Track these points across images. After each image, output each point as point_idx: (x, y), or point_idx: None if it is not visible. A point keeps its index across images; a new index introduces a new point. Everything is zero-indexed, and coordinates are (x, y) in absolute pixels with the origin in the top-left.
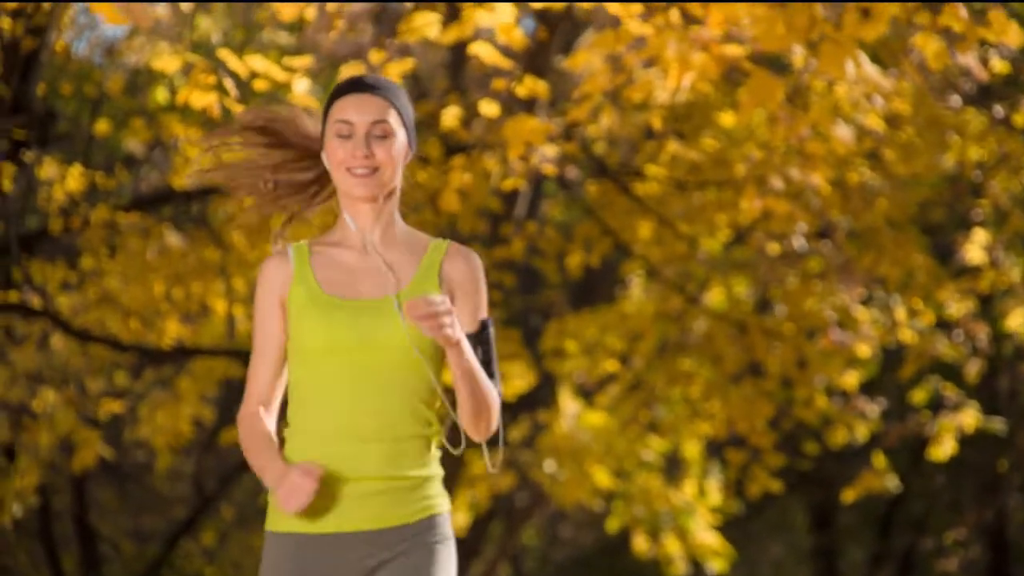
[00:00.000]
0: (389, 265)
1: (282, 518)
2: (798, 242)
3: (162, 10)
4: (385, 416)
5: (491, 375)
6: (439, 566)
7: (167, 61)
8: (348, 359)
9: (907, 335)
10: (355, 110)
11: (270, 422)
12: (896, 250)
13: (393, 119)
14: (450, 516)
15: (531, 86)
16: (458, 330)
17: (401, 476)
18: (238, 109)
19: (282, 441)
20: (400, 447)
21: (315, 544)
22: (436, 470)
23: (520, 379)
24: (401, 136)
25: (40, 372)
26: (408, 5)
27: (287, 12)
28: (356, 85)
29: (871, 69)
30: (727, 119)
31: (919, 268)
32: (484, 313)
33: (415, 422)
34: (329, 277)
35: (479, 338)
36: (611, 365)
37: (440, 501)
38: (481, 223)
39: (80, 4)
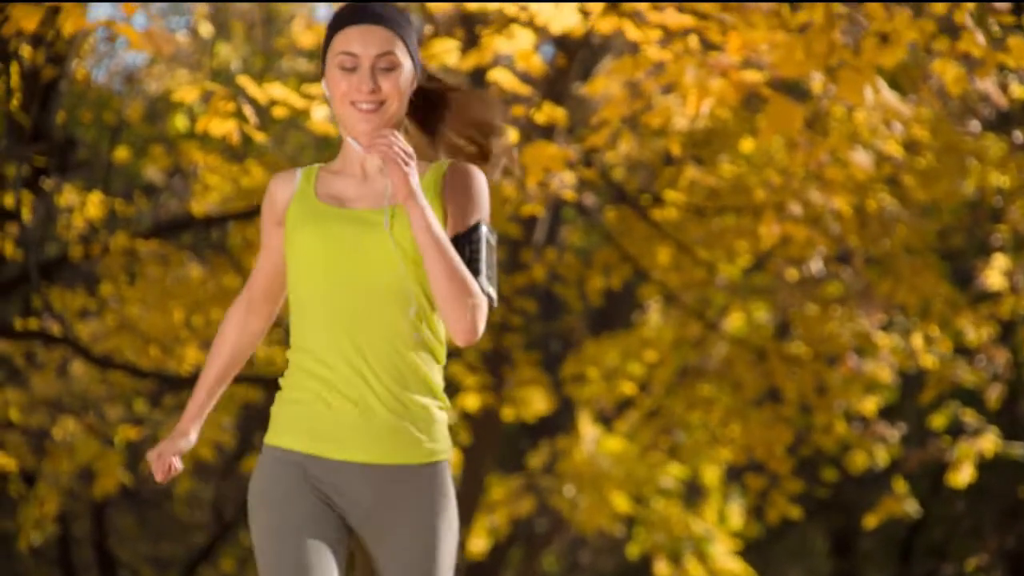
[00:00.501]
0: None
1: (283, 432)
2: (816, 267)
3: (182, 37)
4: (383, 332)
5: (475, 272)
6: (444, 527)
7: (186, 91)
8: (342, 271)
9: (927, 360)
10: (360, 42)
11: (247, 326)
12: (915, 276)
13: (399, 50)
14: (450, 465)
15: (550, 112)
16: (415, 179)
17: (405, 403)
18: (258, 136)
19: (286, 363)
20: (401, 366)
21: (313, 465)
22: (442, 404)
23: (540, 404)
24: (407, 66)
25: (60, 399)
26: (427, 31)
27: (306, 39)
28: (360, 15)
29: (889, 95)
30: (746, 145)
31: (938, 294)
32: (481, 220)
33: (416, 340)
34: (329, 193)
35: (468, 237)
36: (630, 389)
37: (445, 446)
38: (501, 249)
39: (101, 31)
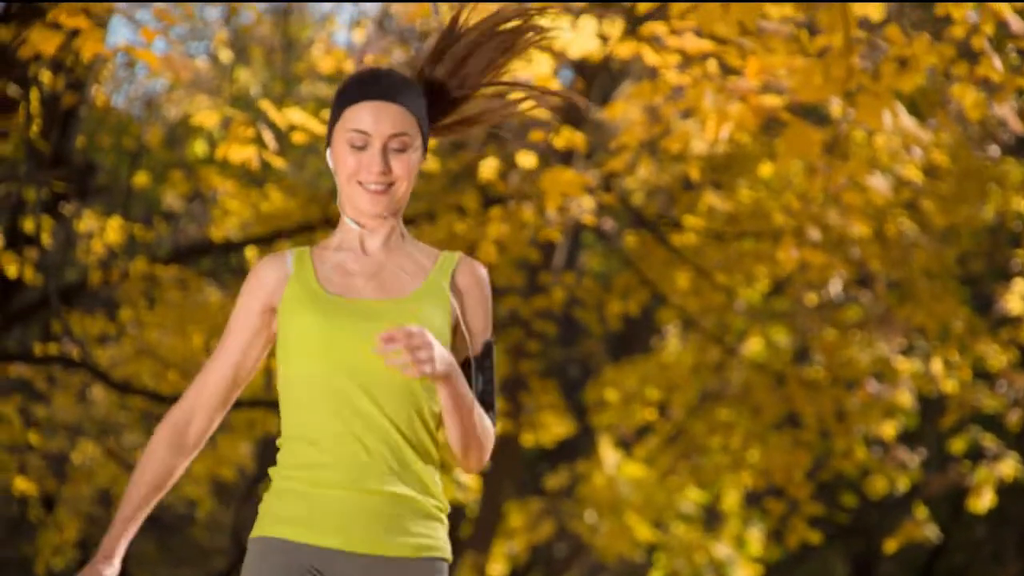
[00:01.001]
0: (400, 267)
1: (272, 523)
2: (835, 291)
3: (202, 63)
4: (385, 425)
5: (489, 406)
6: None
7: (206, 116)
8: (344, 358)
9: (948, 385)
10: (372, 120)
11: (180, 445)
12: (934, 301)
13: (412, 129)
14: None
15: (568, 138)
16: (441, 363)
17: (401, 496)
18: (277, 162)
19: (266, 477)
20: (401, 460)
21: (305, 554)
22: (439, 505)
23: (559, 428)
24: (418, 145)
25: (80, 424)
26: None
27: (325, 64)
28: (375, 89)
29: (908, 120)
30: (764, 170)
31: (958, 319)
32: (489, 332)
33: (417, 436)
34: (330, 277)
35: (482, 364)
36: (649, 415)
37: (442, 546)
38: (519, 275)
39: (120, 57)
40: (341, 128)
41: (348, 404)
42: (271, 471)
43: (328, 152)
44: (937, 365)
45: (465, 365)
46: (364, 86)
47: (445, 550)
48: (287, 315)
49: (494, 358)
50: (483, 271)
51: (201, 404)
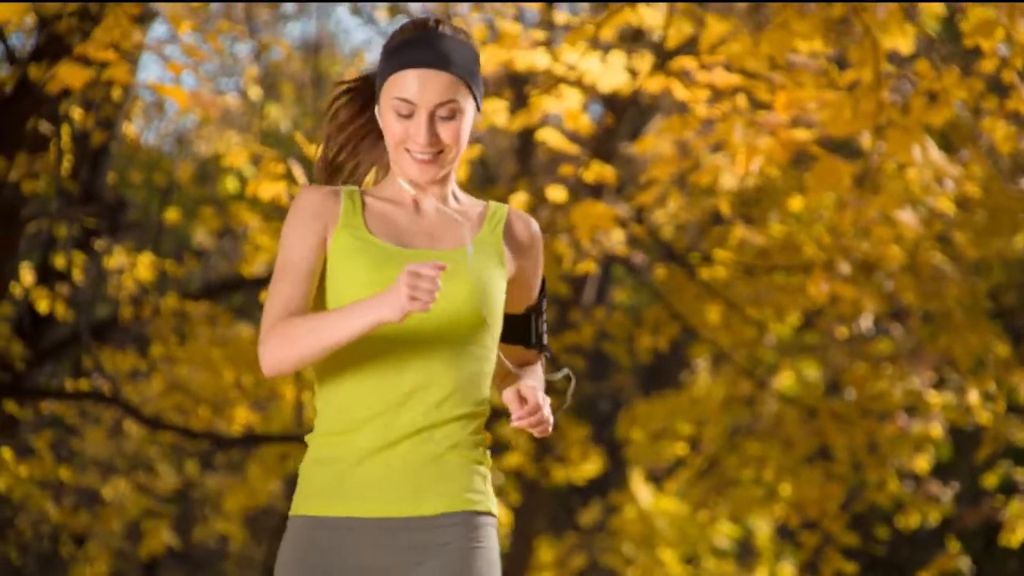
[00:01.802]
0: (457, 216)
1: (306, 500)
2: (866, 324)
3: (232, 99)
4: (431, 383)
5: (545, 347)
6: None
7: (236, 154)
8: None
9: (983, 417)
10: (418, 90)
11: None
12: (968, 334)
13: (462, 95)
14: (496, 524)
15: (599, 171)
16: (548, 410)
17: (442, 452)
18: None
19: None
20: (447, 418)
21: (346, 528)
22: (485, 460)
23: (591, 464)
24: (470, 109)
25: (111, 460)
26: None
27: None
28: (421, 55)
29: (937, 155)
30: (794, 204)
31: (991, 352)
32: (541, 276)
33: (466, 392)
34: (380, 226)
35: (540, 310)
36: (681, 449)
37: (488, 499)
38: (549, 309)
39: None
40: (387, 93)
41: (394, 357)
42: (307, 438)
43: (376, 109)
44: (972, 397)
45: (525, 314)
46: (410, 51)
47: (491, 503)
48: (336, 260)
49: (546, 298)
50: (535, 223)
51: (286, 312)
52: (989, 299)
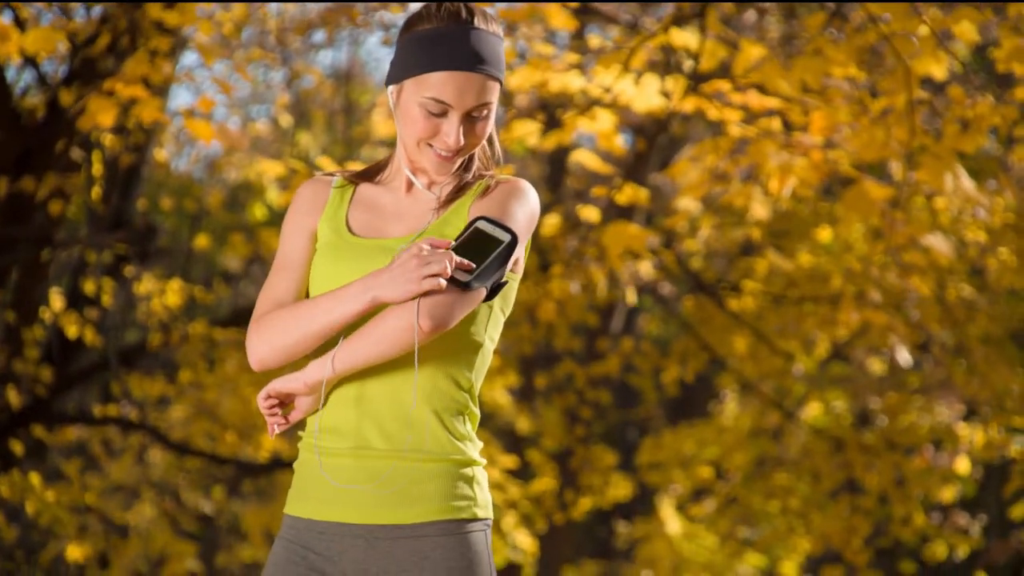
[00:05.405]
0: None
1: (288, 501)
2: (903, 358)
3: (262, 126)
4: (395, 376)
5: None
6: None
7: (270, 166)
8: None
9: (1014, 449)
10: (456, 94)
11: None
12: (993, 367)
13: (494, 93)
14: (487, 530)
15: (631, 194)
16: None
17: (417, 454)
18: None
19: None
20: (415, 417)
21: (317, 531)
22: (466, 456)
23: (617, 491)
24: (496, 104)
25: (137, 485)
26: (508, 115)
27: (385, 129)
28: (461, 58)
29: (968, 183)
30: (823, 235)
31: (1018, 383)
32: (514, 225)
33: (436, 387)
34: (360, 217)
35: (465, 230)
36: (706, 473)
37: (466, 504)
38: (577, 339)
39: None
40: (417, 87)
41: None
42: (299, 435)
43: (391, 90)
44: (995, 431)
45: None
46: (446, 49)
47: (473, 509)
48: (317, 250)
49: (484, 230)
50: (518, 181)
51: (277, 302)
52: (1018, 330)
